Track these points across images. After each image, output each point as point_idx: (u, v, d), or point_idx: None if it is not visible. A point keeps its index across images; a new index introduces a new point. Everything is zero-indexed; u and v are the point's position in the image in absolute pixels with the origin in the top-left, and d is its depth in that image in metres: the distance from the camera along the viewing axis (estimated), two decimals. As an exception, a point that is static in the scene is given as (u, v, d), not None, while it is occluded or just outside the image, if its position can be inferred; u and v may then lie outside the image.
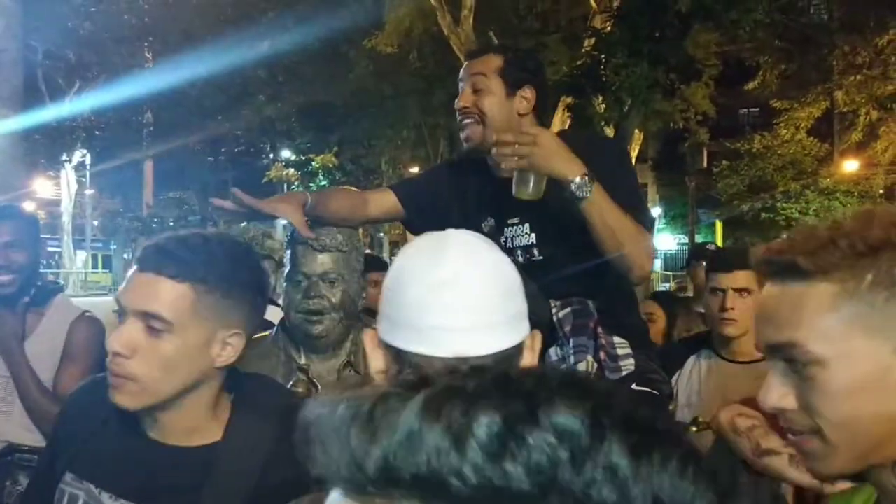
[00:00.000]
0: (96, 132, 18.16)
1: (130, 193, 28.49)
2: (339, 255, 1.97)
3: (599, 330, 2.01)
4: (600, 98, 9.53)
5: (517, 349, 0.98)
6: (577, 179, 1.84)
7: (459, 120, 2.15)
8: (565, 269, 2.01)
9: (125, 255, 41.71)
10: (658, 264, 25.84)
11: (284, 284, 2.04)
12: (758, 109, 25.40)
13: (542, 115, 2.21)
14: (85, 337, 2.51)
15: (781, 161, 22.13)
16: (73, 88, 17.36)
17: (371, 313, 1.69)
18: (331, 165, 21.18)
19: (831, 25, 18.00)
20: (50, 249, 25.70)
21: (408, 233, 2.40)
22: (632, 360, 2.00)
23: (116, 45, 15.24)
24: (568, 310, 2.02)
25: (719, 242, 20.12)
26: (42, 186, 25.75)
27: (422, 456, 0.42)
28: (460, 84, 2.16)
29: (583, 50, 10.33)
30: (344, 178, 21.82)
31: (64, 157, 19.72)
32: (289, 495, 1.24)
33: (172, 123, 16.98)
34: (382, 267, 3.01)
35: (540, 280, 2.08)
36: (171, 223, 28.79)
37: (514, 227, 2.13)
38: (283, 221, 2.02)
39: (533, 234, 2.10)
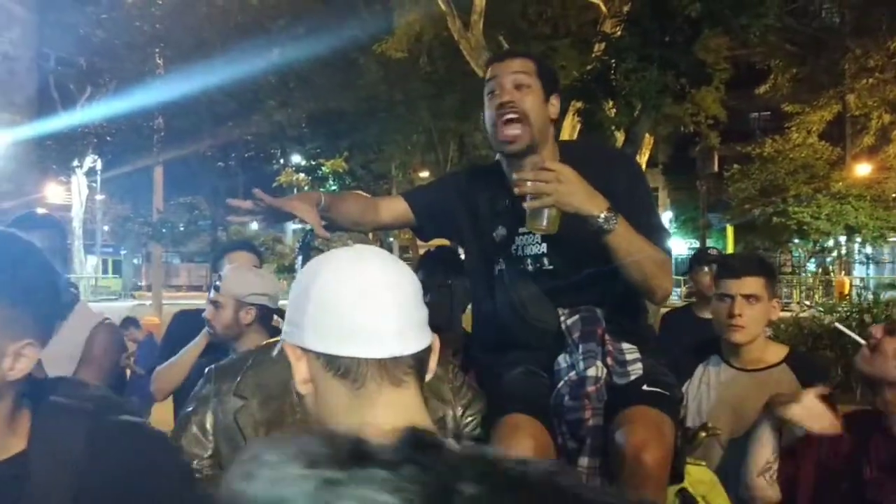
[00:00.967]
0: (107, 138, 18.27)
1: (140, 199, 28.62)
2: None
3: (607, 337, 2.01)
4: (610, 103, 9.51)
5: (429, 349, 1.05)
6: (602, 215, 1.83)
7: (500, 116, 2.05)
8: (574, 278, 2.01)
9: (135, 261, 41.97)
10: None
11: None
12: (769, 113, 25.36)
13: (559, 123, 2.21)
14: (104, 343, 2.55)
15: (793, 165, 22.03)
16: (85, 95, 17.49)
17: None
18: (341, 170, 21.23)
19: (843, 29, 17.96)
20: (61, 255, 25.81)
21: (417, 238, 2.40)
22: (640, 365, 1.99)
23: (128, 51, 15.34)
24: (576, 317, 2.02)
25: (730, 247, 20.06)
26: (53, 192, 25.95)
27: None
28: (493, 82, 2.09)
29: (593, 55, 10.32)
30: (354, 183, 21.87)
31: (75, 163, 19.87)
32: (115, 490, 1.19)
33: (183, 129, 17.06)
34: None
35: (548, 288, 2.08)
36: (181, 228, 28.91)
37: (526, 236, 2.11)
38: (294, 226, 2.02)
39: (544, 244, 2.09)
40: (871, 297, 10.68)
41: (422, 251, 7.45)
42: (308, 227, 1.92)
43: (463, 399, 1.94)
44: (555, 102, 2.11)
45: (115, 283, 36.88)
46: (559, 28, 14.16)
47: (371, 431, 0.45)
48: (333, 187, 21.85)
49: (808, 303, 15.09)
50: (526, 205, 1.87)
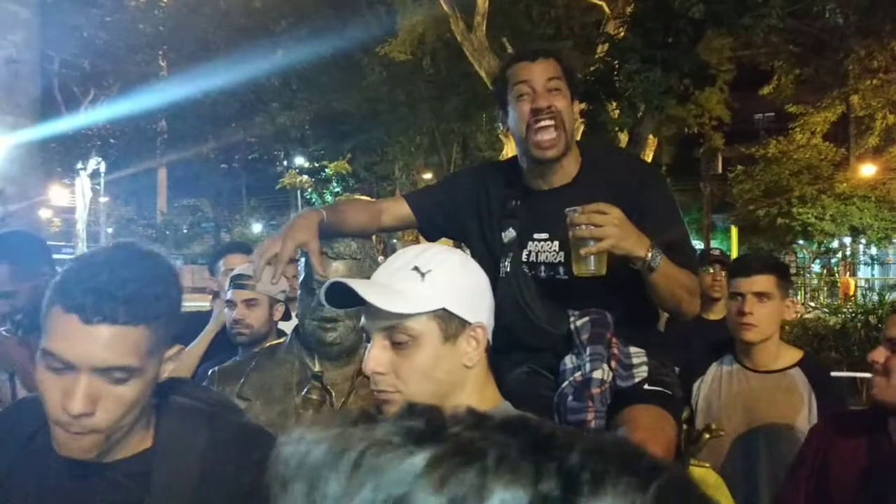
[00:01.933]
0: (111, 141, 18.29)
1: (144, 201, 28.69)
2: (353, 262, 1.97)
3: (615, 340, 2.00)
4: (614, 104, 9.51)
5: None
6: (649, 255, 1.82)
7: (536, 122, 1.99)
8: (588, 288, 1.99)
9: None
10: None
11: (299, 292, 2.04)
12: (773, 114, 25.29)
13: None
14: None
15: (797, 166, 21.96)
16: (88, 98, 17.51)
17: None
18: (344, 172, 21.25)
19: (847, 30, 17.91)
20: (65, 257, 25.93)
21: (421, 238, 2.39)
22: (645, 368, 1.98)
23: (131, 54, 15.35)
24: (586, 319, 2.01)
25: (734, 248, 20.00)
26: (57, 194, 25.99)
27: None
28: (525, 85, 2.01)
29: (596, 56, 10.31)
30: (357, 185, 21.88)
31: (79, 166, 19.89)
32: (232, 490, 1.25)
33: (186, 132, 17.09)
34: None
35: (561, 296, 2.06)
36: (185, 230, 28.95)
37: (541, 243, 2.08)
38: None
39: (562, 253, 2.04)
40: (876, 297, 10.65)
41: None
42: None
43: None
44: (577, 102, 2.10)
45: (119, 285, 36.83)
46: (562, 29, 14.16)
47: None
48: (337, 189, 21.84)
49: (812, 304, 15.05)
50: (582, 251, 1.83)
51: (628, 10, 10.23)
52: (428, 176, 21.56)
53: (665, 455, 1.80)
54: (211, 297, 3.19)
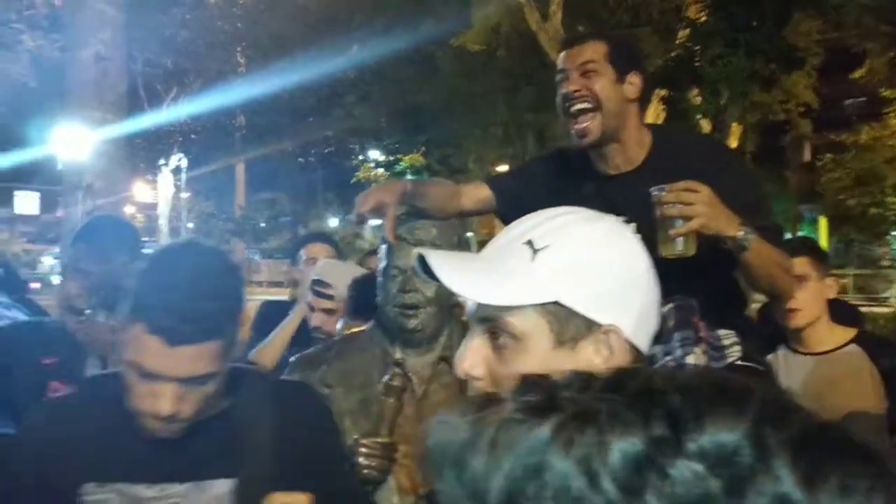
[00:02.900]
0: (192, 136, 18.83)
1: (223, 196, 29.52)
2: (433, 249, 1.95)
3: (701, 324, 1.93)
4: (695, 90, 9.26)
5: None
6: (740, 234, 1.75)
7: (568, 108, 1.99)
8: (670, 272, 1.92)
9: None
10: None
11: (380, 280, 2.02)
12: (865, 99, 24.19)
13: (645, 104, 2.09)
14: None
15: (892, 153, 21.06)
16: (171, 95, 18.08)
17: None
18: (418, 165, 21.38)
19: (945, 8, 16.97)
20: (148, 251, 26.96)
21: (497, 230, 2.35)
22: (738, 347, 1.92)
23: (211, 51, 15.75)
24: (670, 306, 1.95)
25: (824, 240, 19.36)
26: (140, 191, 26.99)
27: (548, 490, 0.39)
28: (562, 74, 2.03)
29: (676, 42, 10.06)
30: (431, 178, 21.95)
31: (161, 162, 20.56)
32: (303, 443, 1.45)
33: (264, 126, 17.47)
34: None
35: None
36: (263, 224, 29.65)
37: None
38: (375, 223, 2.01)
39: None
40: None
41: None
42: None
43: None
44: (634, 80, 2.01)
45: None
46: (640, 16, 13.83)
47: None
48: (411, 182, 21.93)
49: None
50: (671, 231, 1.77)
51: (710, -7, 9.93)
52: (503, 168, 21.45)
53: None
54: (289, 288, 3.24)
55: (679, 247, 1.77)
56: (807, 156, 18.15)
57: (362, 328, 2.21)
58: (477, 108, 17.97)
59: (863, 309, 4.72)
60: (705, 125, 9.69)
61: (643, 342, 1.06)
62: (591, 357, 0.95)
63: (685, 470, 0.37)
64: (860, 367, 2.40)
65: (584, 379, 0.44)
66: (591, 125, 1.96)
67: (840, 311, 2.74)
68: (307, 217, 29.70)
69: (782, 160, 19.90)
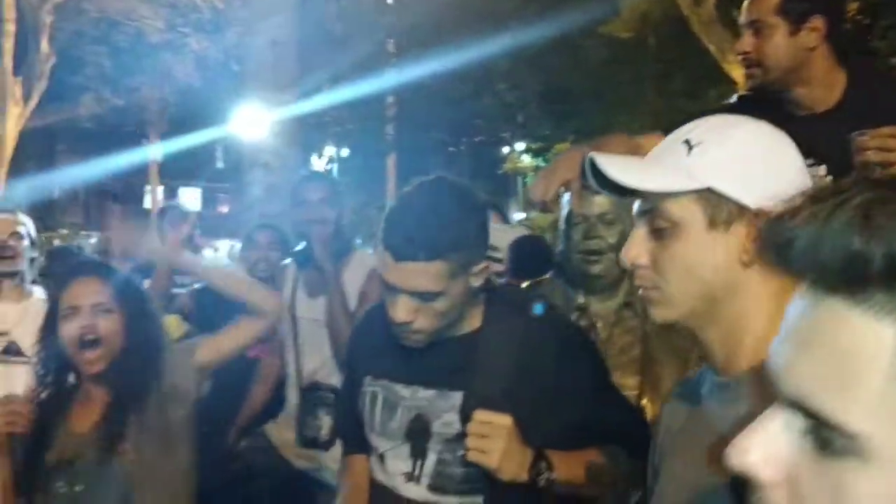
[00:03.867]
0: (347, 126, 19.47)
1: (374, 185, 30.37)
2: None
3: None
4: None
5: None
6: None
7: (743, 63, 2.08)
8: None
9: (369, 250, 44.59)
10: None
11: (562, 227, 2.10)
12: None
13: (840, 43, 2.03)
14: (378, 287, 2.84)
15: None
16: (328, 84, 18.72)
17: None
18: (565, 154, 21.16)
19: None
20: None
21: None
22: None
23: (363, 41, 16.22)
24: None
25: None
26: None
27: None
28: (742, 29, 2.07)
29: (846, 16, 9.48)
30: (578, 168, 21.62)
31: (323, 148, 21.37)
32: (543, 377, 1.54)
33: (416, 114, 17.83)
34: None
35: None
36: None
37: (809, 168, 2.02)
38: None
39: (828, 178, 1.95)
40: None
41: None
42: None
43: None
44: (816, 25, 1.95)
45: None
46: (807, -5, 13.10)
47: None
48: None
49: None
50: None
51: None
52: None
53: None
54: None
55: None
56: None
57: (542, 278, 2.30)
58: (626, 95, 17.60)
59: None
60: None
61: None
62: (743, 238, 1.02)
63: None
64: None
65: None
66: (754, 80, 2.03)
67: None
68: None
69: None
